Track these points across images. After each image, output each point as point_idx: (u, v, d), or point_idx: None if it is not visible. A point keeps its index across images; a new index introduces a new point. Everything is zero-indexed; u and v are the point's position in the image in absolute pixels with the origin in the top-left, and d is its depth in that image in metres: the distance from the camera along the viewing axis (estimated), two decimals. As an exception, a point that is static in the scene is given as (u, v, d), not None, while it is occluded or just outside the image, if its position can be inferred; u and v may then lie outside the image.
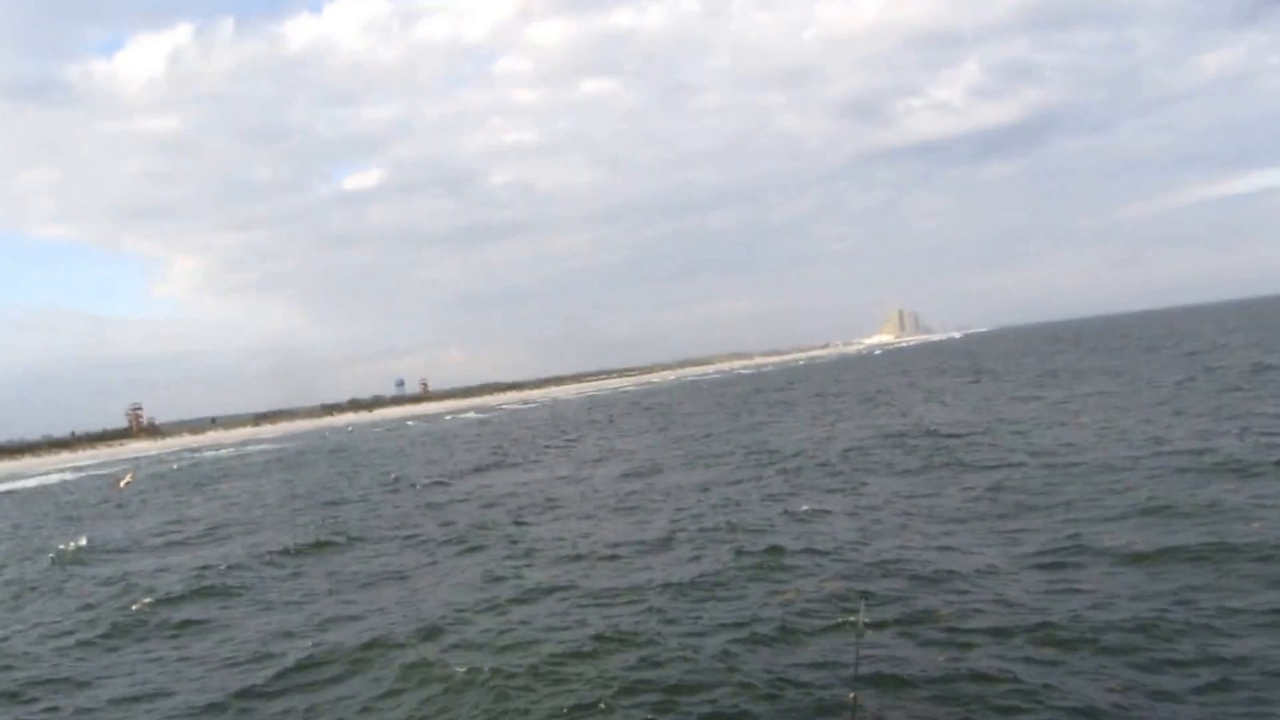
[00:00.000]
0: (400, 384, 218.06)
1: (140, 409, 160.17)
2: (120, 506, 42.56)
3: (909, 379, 76.64)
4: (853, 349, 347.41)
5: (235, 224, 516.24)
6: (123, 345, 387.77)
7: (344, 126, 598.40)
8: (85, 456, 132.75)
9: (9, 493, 74.02)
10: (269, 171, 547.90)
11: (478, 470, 40.79)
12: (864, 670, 9.59)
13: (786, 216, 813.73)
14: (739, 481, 26.90)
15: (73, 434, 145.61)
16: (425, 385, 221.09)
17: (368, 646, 13.56)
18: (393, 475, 41.38)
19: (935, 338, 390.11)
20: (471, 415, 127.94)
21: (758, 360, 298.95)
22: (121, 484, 43.52)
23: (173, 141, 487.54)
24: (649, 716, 9.86)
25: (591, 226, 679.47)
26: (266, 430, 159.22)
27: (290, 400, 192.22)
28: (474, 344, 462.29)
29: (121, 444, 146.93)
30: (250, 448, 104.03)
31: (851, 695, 8.28)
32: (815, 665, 10.84)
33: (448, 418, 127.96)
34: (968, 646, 10.86)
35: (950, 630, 11.50)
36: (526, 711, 10.38)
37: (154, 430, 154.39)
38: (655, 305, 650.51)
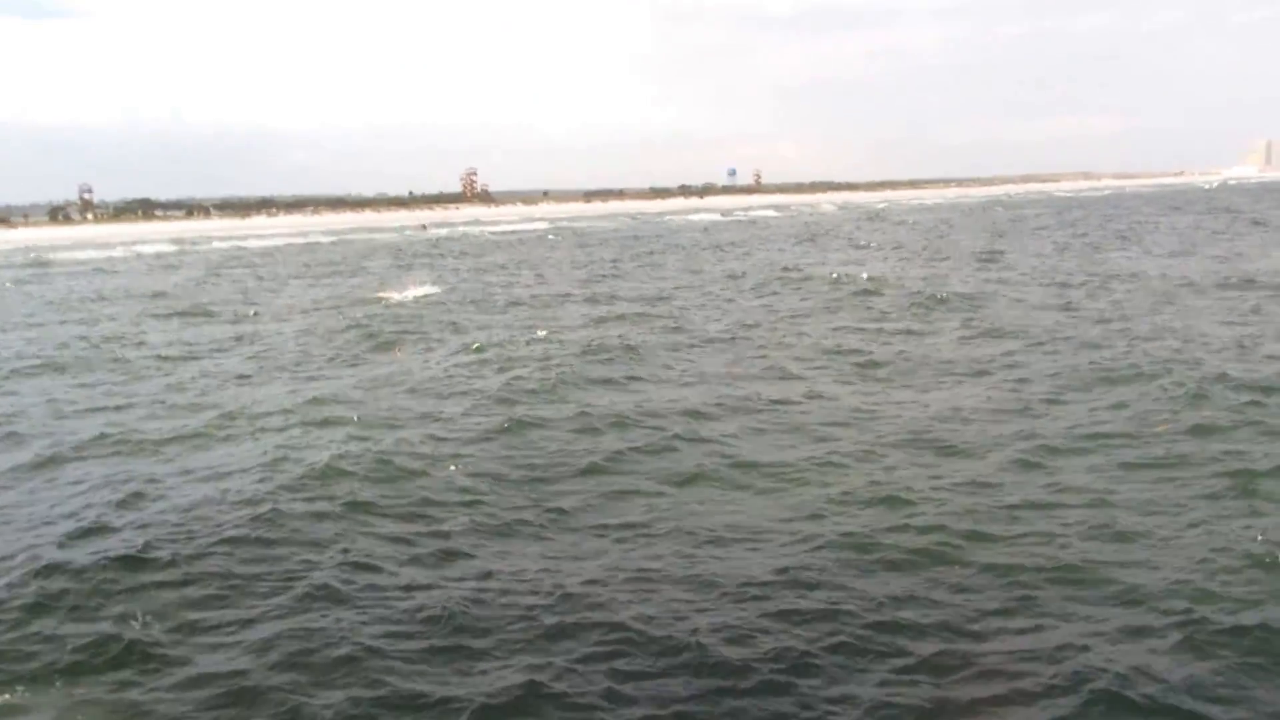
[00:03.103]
0: (732, 174, 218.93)
1: (474, 174, 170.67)
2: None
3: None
4: (1208, 179, 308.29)
5: None
6: (457, 112, 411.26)
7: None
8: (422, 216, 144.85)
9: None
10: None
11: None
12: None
13: (1159, 25, 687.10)
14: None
15: (410, 193, 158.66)
16: (758, 177, 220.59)
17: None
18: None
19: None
20: (771, 213, 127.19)
21: (1106, 182, 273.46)
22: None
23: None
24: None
25: (943, 21, 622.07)
26: (596, 207, 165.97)
27: (617, 180, 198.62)
28: (809, 139, 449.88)
29: (456, 207, 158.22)
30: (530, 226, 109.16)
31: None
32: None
33: (739, 214, 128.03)
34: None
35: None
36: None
37: (487, 197, 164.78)
38: (1002, 114, 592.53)
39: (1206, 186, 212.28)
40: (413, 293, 37.12)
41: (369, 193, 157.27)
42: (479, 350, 22.74)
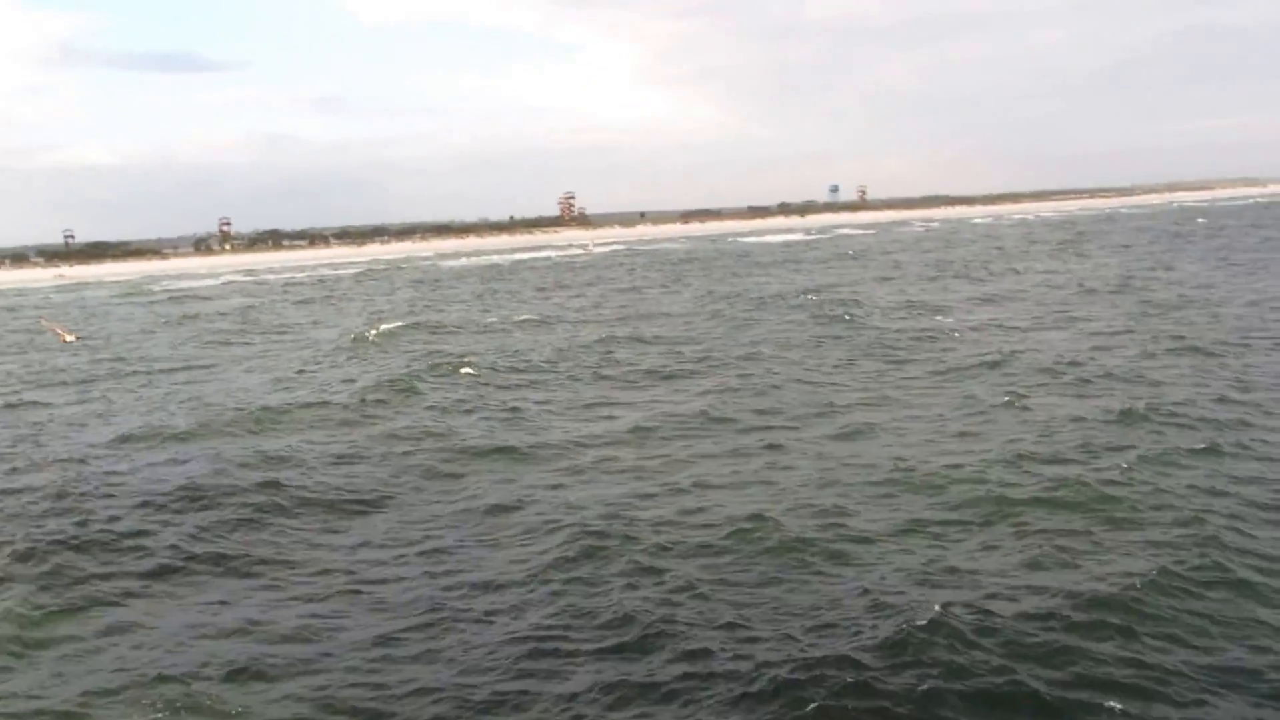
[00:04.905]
0: (835, 190, 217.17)
1: (572, 197, 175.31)
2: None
3: None
4: None
5: (671, 11, 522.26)
6: (554, 135, 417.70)
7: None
8: (522, 240, 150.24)
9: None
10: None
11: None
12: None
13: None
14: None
15: (510, 218, 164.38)
16: (863, 193, 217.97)
17: None
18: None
19: None
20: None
21: (1272, 189, 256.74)
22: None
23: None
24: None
25: (1069, 20, 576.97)
26: (676, 229, 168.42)
27: (717, 200, 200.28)
28: (918, 152, 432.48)
29: (556, 231, 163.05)
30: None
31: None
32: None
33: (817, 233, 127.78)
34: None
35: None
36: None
37: (584, 220, 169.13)
38: (1142, 117, 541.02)
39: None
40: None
41: (472, 218, 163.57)
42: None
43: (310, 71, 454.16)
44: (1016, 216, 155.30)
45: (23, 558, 13.19)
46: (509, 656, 9.65)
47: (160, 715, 8.90)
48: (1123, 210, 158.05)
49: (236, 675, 9.64)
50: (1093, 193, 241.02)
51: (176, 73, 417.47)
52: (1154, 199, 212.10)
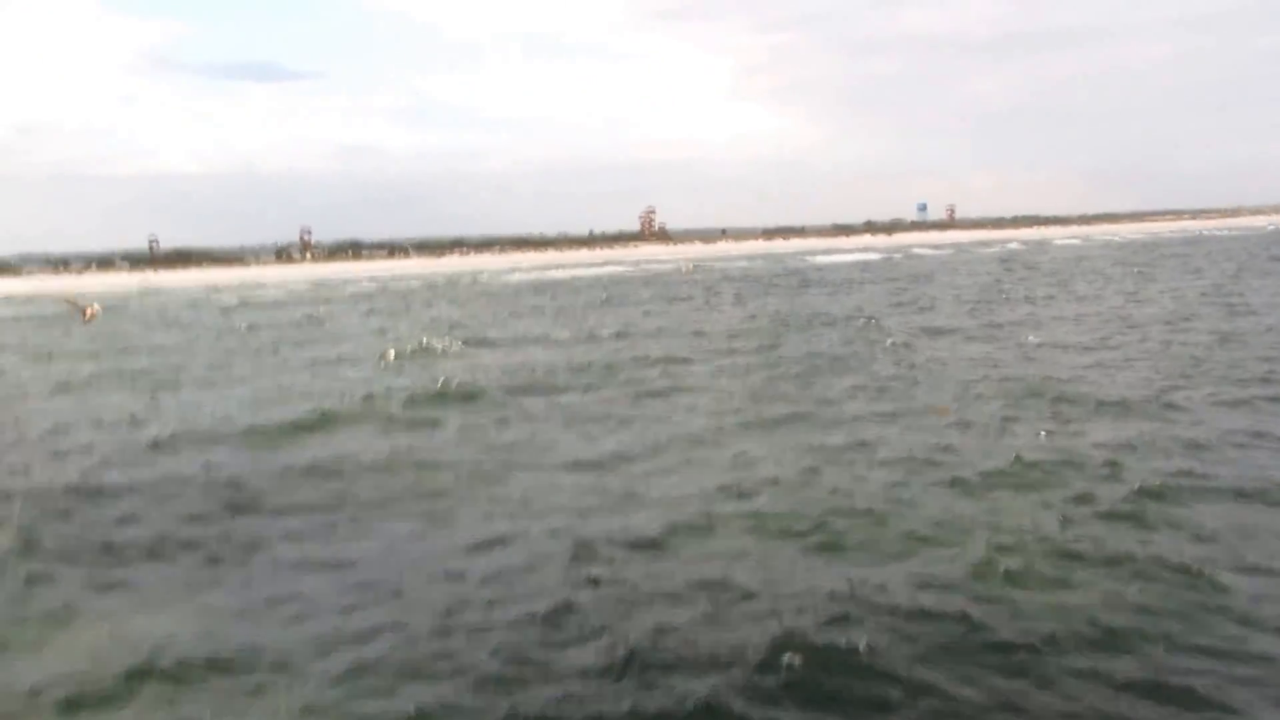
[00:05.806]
0: (922, 208, 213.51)
1: (653, 212, 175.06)
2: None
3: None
4: None
5: (761, 25, 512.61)
6: (638, 149, 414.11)
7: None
8: (600, 255, 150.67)
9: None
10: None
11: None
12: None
13: None
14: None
15: (590, 232, 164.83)
16: (951, 212, 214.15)
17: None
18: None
19: None
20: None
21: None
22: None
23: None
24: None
25: (1180, 34, 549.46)
26: (773, 245, 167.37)
27: (804, 217, 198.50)
28: (1011, 169, 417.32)
29: (635, 246, 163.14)
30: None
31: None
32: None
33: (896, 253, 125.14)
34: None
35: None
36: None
37: (664, 235, 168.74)
38: (1251, 136, 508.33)
39: None
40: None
41: (552, 232, 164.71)
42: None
43: (390, 83, 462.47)
44: (1103, 238, 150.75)
45: (67, 559, 13.39)
46: (534, 644, 9.92)
47: (213, 699, 9.32)
48: (1217, 232, 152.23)
49: (283, 667, 9.83)
50: (1194, 214, 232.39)
51: (259, 82, 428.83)
52: (1259, 220, 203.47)
